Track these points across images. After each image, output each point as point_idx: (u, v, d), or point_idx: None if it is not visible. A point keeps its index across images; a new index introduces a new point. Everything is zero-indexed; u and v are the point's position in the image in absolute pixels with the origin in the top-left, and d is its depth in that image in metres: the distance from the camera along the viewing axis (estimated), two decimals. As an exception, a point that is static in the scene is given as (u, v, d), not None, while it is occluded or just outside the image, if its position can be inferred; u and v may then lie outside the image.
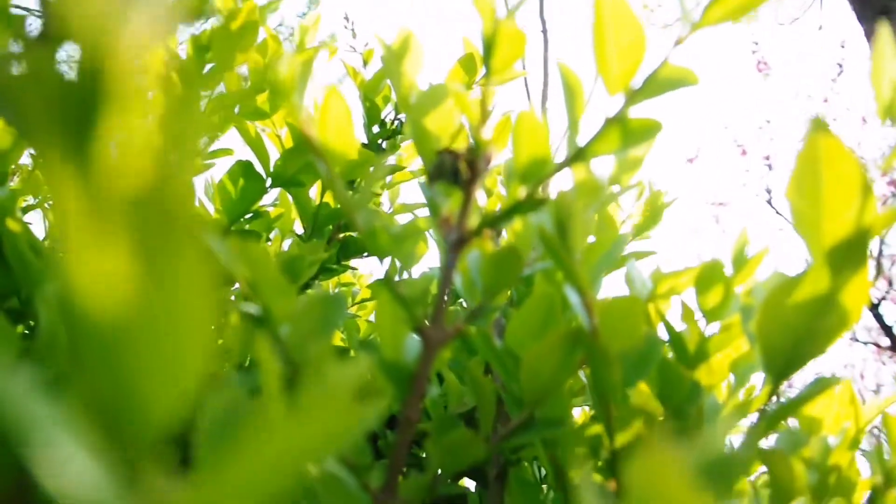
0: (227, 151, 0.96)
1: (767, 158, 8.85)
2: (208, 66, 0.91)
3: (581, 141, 0.40)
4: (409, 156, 1.14)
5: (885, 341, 7.76)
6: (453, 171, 0.42)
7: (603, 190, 0.48)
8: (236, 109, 0.95)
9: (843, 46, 9.24)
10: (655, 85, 0.38)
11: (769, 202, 8.34)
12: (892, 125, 0.45)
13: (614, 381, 0.42)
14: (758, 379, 0.59)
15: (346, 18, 1.15)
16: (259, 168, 0.92)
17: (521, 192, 0.41)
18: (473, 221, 0.42)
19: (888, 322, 7.24)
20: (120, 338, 0.12)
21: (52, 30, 0.45)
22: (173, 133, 0.12)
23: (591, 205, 0.47)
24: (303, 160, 0.88)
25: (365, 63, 1.03)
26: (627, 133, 0.39)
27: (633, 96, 0.38)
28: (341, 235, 0.99)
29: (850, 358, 8.83)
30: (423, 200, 0.96)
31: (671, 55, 0.38)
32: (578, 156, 0.40)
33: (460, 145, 0.43)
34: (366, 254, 1.00)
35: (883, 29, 0.44)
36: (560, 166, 0.40)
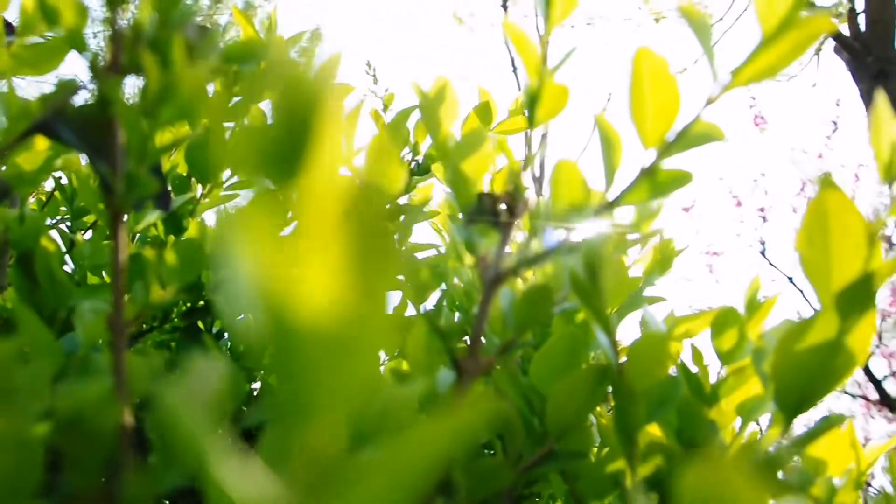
0: (249, 184, 0.99)
1: (762, 210, 8.94)
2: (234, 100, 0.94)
3: (616, 190, 0.43)
4: (421, 197, 1.17)
5: (874, 395, 7.78)
6: (493, 212, 0.45)
7: (627, 237, 0.51)
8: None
9: (838, 104, 9.40)
10: (687, 139, 0.41)
11: (762, 253, 8.40)
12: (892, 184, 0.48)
13: (639, 416, 0.44)
14: (763, 421, 0.62)
15: (368, 64, 1.20)
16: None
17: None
18: (509, 261, 0.45)
19: (877, 376, 7.27)
20: (330, 340, 0.14)
21: (120, 62, 0.48)
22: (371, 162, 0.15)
23: (617, 251, 0.50)
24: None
25: (385, 107, 1.07)
26: (660, 184, 0.42)
27: (666, 150, 0.42)
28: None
29: (840, 411, 8.82)
30: (429, 241, 0.98)
31: (703, 113, 0.41)
32: (614, 204, 0.42)
33: (500, 188, 0.46)
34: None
35: (881, 93, 0.47)
36: (597, 212, 0.43)
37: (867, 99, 3.75)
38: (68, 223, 1.06)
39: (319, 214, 0.15)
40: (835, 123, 9.26)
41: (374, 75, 1.16)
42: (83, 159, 0.90)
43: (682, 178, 0.42)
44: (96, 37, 0.50)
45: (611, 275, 0.43)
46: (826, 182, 0.41)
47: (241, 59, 0.48)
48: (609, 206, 0.43)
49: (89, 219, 1.06)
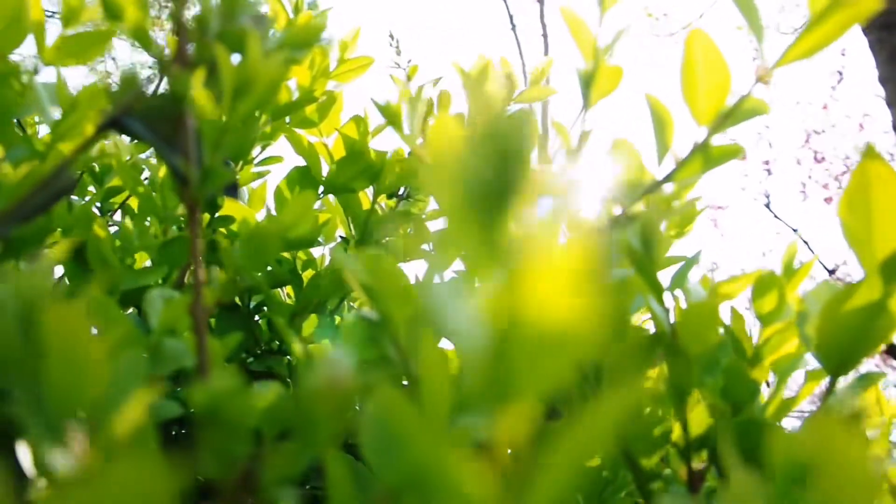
0: (277, 159, 1.02)
1: (766, 163, 8.93)
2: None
3: (669, 166, 0.45)
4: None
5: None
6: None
7: (672, 208, 0.53)
8: (287, 119, 1.00)
9: (843, 55, 9.33)
10: (737, 115, 0.43)
11: (767, 206, 8.41)
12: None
13: (692, 379, 0.46)
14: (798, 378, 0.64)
15: (391, 36, 1.20)
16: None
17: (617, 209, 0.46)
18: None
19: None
20: (560, 341, 0.17)
21: (188, 54, 0.50)
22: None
23: (663, 221, 0.52)
24: (356, 168, 0.93)
25: (409, 79, 1.07)
26: (712, 158, 0.44)
27: (718, 126, 0.43)
28: (386, 240, 1.04)
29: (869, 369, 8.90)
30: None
31: (753, 90, 0.43)
32: (668, 178, 0.44)
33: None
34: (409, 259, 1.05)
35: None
36: (652, 187, 0.45)
37: (875, 50, 3.73)
38: (98, 204, 1.08)
39: (540, 248, 0.17)
40: (840, 74, 9.20)
41: (397, 47, 1.17)
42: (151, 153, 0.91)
43: (733, 152, 0.44)
44: (153, 30, 0.51)
45: (664, 246, 0.46)
46: (868, 152, 0.43)
47: (298, 45, 0.50)
48: (663, 181, 0.45)
49: (118, 199, 1.07)
